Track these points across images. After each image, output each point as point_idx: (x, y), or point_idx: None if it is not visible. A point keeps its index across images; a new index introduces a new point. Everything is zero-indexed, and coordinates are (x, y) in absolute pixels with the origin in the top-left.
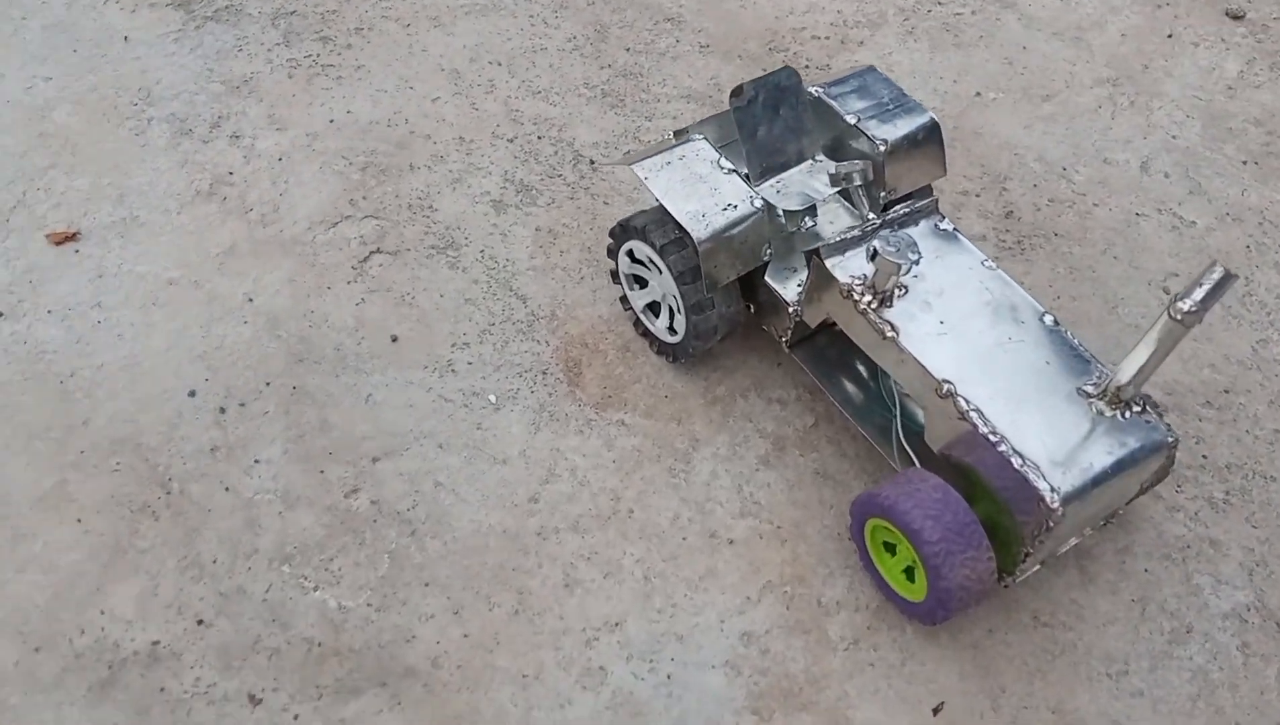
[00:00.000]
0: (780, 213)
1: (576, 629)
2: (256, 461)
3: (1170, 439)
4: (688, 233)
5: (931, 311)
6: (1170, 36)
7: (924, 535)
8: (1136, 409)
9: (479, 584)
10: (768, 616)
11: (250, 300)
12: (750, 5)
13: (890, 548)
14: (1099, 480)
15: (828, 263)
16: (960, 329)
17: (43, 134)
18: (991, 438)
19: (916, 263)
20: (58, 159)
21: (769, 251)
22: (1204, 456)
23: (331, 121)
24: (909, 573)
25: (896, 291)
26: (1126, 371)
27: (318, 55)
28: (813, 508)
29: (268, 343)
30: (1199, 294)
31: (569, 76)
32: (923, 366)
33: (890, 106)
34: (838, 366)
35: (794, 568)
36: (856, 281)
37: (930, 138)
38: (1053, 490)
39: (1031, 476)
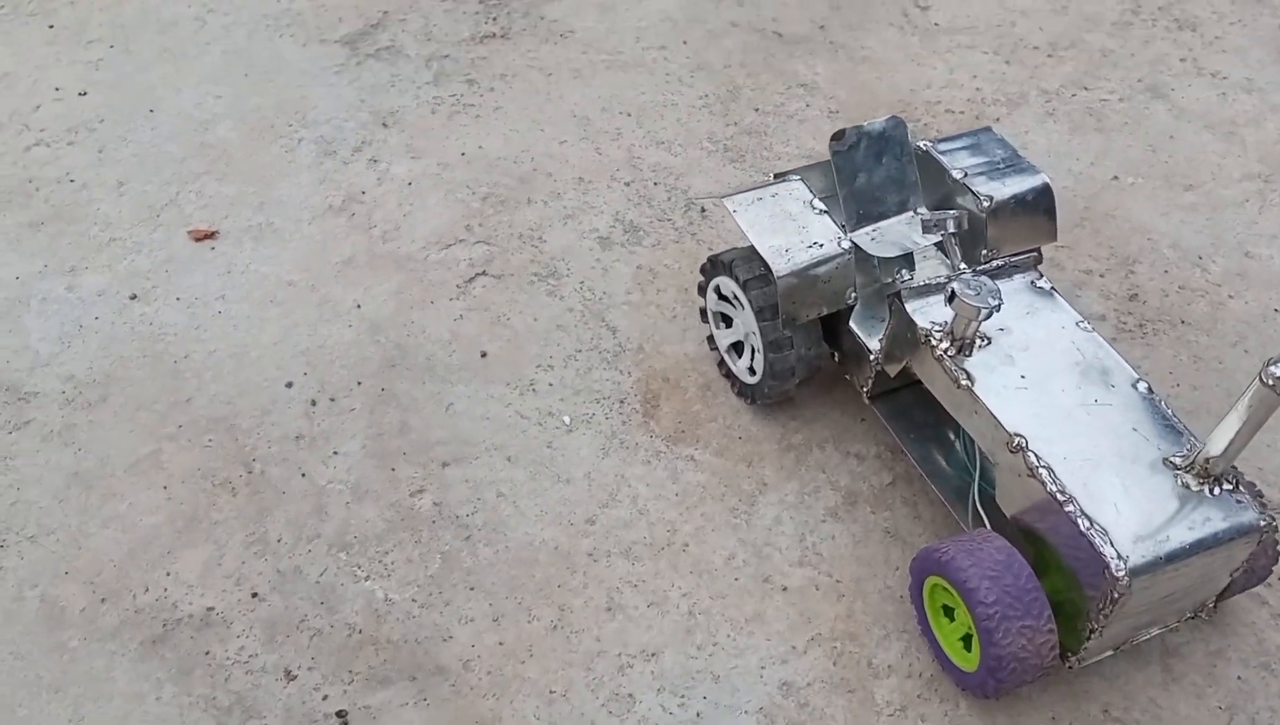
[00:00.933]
0: (875, 262)
1: (612, 653)
2: (335, 453)
3: (1263, 522)
4: (769, 267)
5: (1013, 365)
6: None
7: (979, 595)
8: (1228, 486)
9: (522, 595)
10: (812, 669)
11: (358, 306)
12: (887, 76)
13: (949, 612)
14: (1175, 557)
15: (908, 306)
16: (1042, 385)
17: (203, 144)
18: (1059, 497)
19: (997, 309)
20: (212, 167)
21: (853, 295)
22: None
23: (463, 154)
24: (966, 641)
25: (978, 342)
26: (1217, 442)
27: (461, 95)
28: (877, 566)
29: (367, 346)
30: None
31: (694, 130)
32: (995, 418)
33: (1001, 166)
34: (921, 426)
35: (847, 624)
36: (936, 327)
37: (1040, 200)
38: (1119, 558)
39: (1098, 542)
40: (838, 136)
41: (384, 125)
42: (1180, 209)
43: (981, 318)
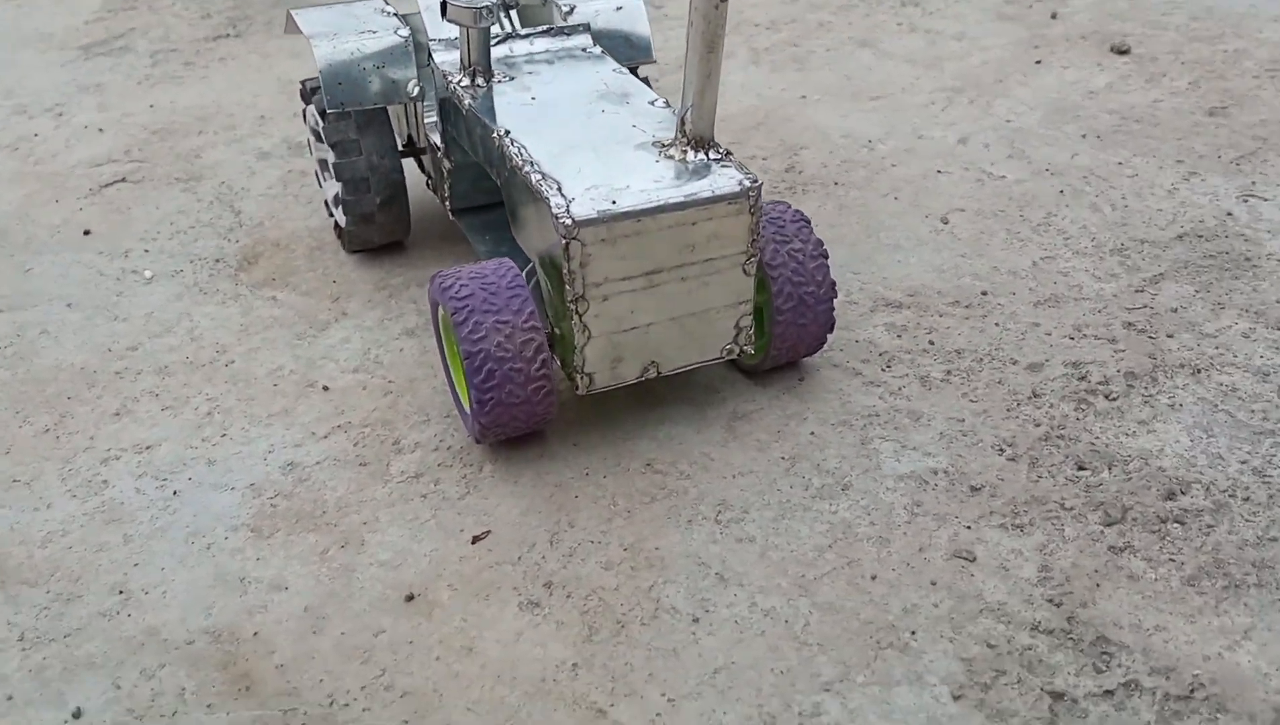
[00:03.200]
0: (434, 46)
1: (101, 448)
2: None
3: (746, 183)
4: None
5: (528, 91)
6: (1039, 63)
7: (452, 292)
8: (715, 156)
9: (24, 406)
10: (327, 452)
11: None
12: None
13: None
14: (636, 213)
15: (436, 57)
16: (550, 104)
17: None
18: (521, 164)
19: (489, 12)
20: None
21: (415, 86)
22: (931, 342)
23: (151, 106)
24: None
25: (498, 76)
26: (686, 93)
27: (173, 72)
28: (439, 369)
29: None
30: None
31: None
32: (487, 125)
33: None
34: (497, 237)
35: (384, 413)
36: (454, 67)
37: (630, 12)
38: (565, 202)
39: (547, 192)
40: None
41: (85, 92)
42: (861, 111)
43: (478, 23)
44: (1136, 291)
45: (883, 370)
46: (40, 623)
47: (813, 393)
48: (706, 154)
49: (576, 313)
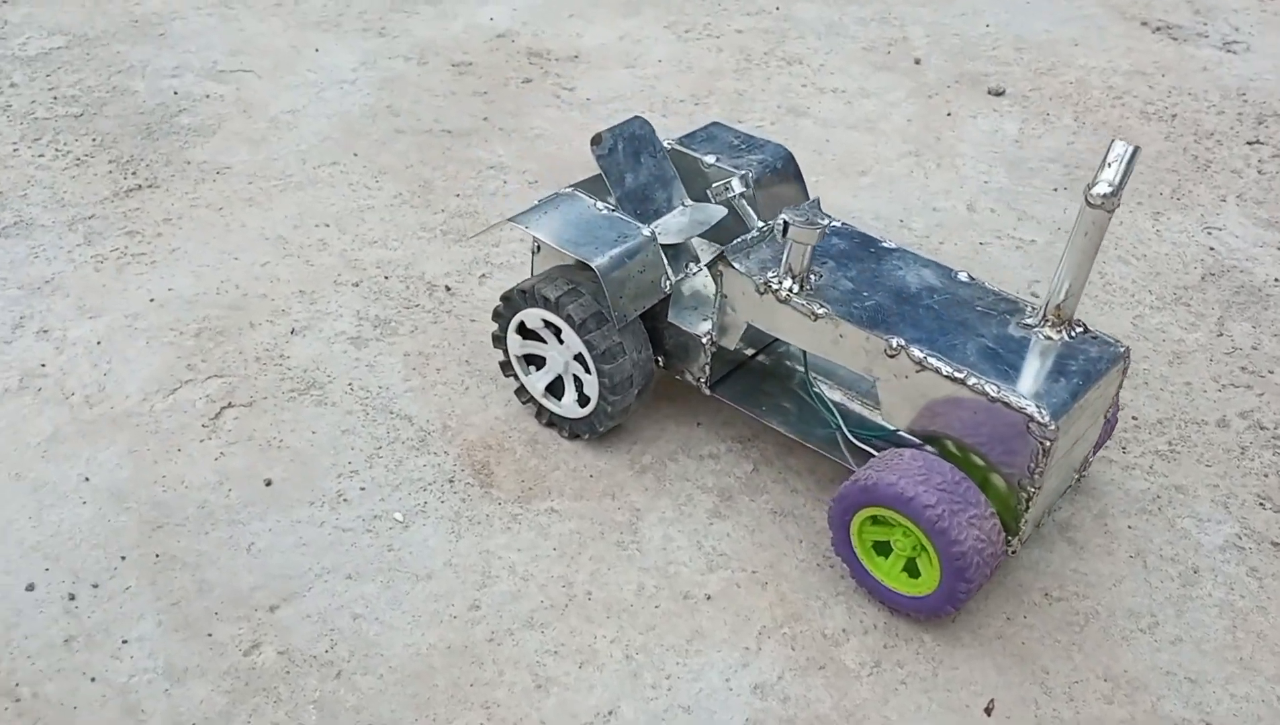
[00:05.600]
0: (666, 258)
1: None
2: (125, 642)
3: (1122, 348)
4: (587, 266)
5: (850, 286)
6: (949, 115)
7: (921, 501)
8: (1079, 329)
9: (434, 709)
10: (774, 662)
11: (87, 479)
12: (565, 145)
13: (882, 548)
14: (1078, 393)
15: (736, 265)
16: (884, 295)
17: None
18: (957, 376)
19: (829, 225)
20: None
21: (668, 282)
22: (1134, 417)
23: (152, 301)
24: (910, 568)
25: (812, 275)
26: (1062, 286)
27: (125, 247)
28: (781, 546)
29: (114, 517)
30: (1112, 173)
31: (403, 225)
32: (863, 333)
33: (741, 147)
34: (761, 396)
35: (784, 608)
36: (771, 274)
37: (787, 166)
38: (1040, 407)
39: (1015, 401)
40: (597, 140)
41: (40, 296)
42: (863, 189)
43: (820, 238)
44: (1218, 336)
45: (1123, 451)
46: None
47: (1091, 488)
48: (1072, 329)
49: (1028, 497)
